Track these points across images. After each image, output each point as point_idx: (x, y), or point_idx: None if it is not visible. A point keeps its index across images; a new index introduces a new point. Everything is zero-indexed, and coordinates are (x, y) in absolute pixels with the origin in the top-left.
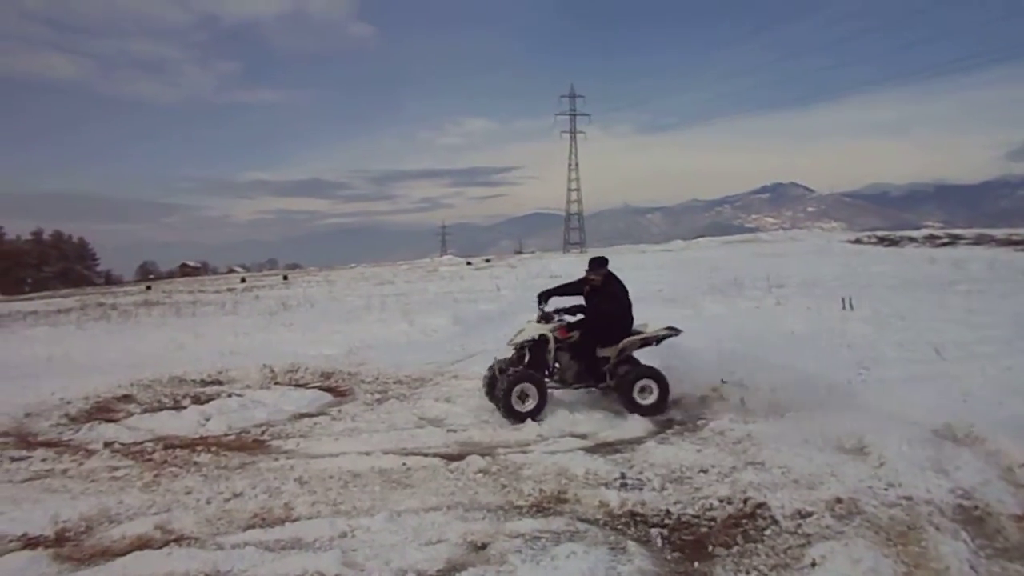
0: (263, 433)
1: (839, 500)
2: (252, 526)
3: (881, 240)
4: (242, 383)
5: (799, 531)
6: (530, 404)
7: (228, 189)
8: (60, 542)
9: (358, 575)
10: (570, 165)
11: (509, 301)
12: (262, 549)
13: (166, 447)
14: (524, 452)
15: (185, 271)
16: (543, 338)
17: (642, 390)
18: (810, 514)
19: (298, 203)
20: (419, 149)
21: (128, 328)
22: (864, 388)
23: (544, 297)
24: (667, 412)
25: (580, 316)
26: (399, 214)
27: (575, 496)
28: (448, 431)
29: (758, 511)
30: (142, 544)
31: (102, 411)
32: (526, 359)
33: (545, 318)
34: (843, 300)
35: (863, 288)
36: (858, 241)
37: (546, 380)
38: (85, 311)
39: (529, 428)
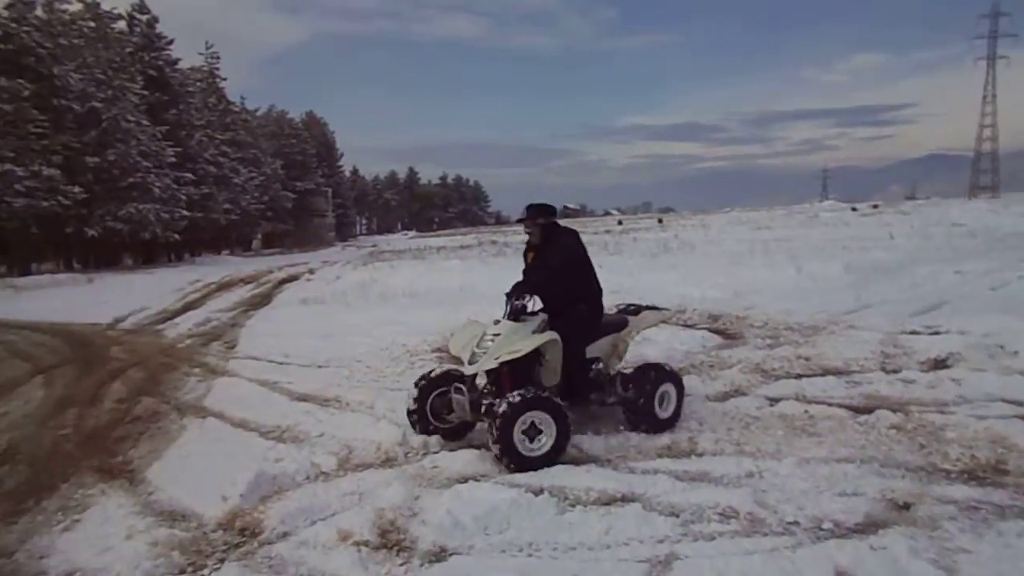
0: None
1: None
2: (660, 455)
3: None
4: None
5: None
6: (545, 444)
7: (606, 134)
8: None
9: (771, 515)
10: (985, 97)
11: (906, 250)
12: (673, 478)
13: None
14: (943, 413)
15: (566, 212)
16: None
17: (661, 399)
18: None
19: (672, 147)
20: (800, 88)
21: (522, 263)
22: None
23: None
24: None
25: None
26: (776, 157)
27: (1019, 468)
28: (850, 382)
29: None
30: (563, 459)
31: None
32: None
33: (516, 313)
34: None
35: None
36: None
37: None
38: (483, 247)
39: (947, 387)
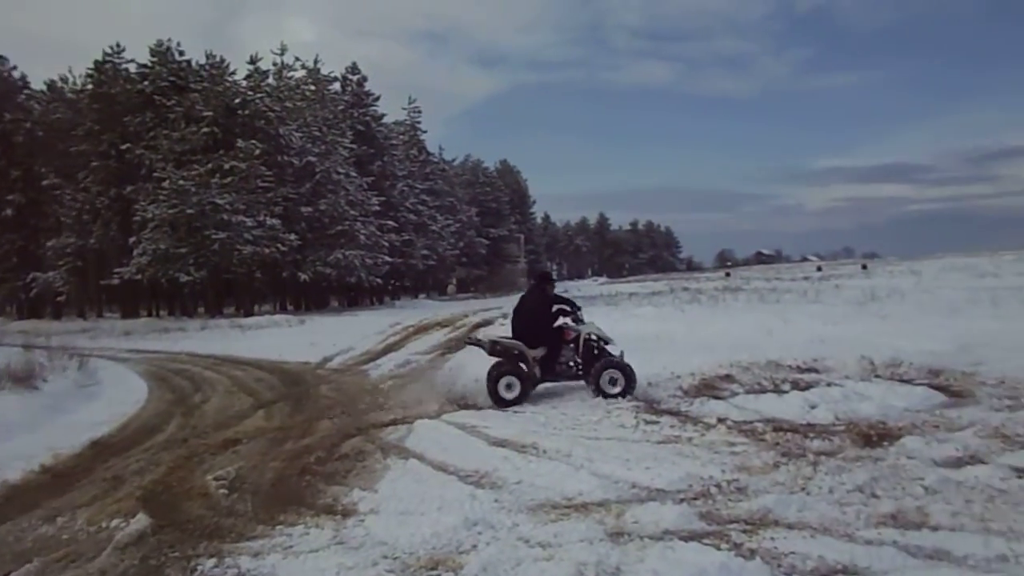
0: (873, 427)
1: None
2: (884, 524)
3: None
4: (839, 372)
5: None
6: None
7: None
8: (699, 503)
9: None
10: None
11: None
12: (903, 552)
13: (775, 429)
14: None
15: (760, 258)
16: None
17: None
18: None
19: (875, 189)
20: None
21: (719, 311)
22: None
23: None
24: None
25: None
26: (1002, 197)
27: None
28: None
29: None
30: (771, 521)
31: (708, 388)
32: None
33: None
34: None
35: None
36: None
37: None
38: (675, 293)
39: None
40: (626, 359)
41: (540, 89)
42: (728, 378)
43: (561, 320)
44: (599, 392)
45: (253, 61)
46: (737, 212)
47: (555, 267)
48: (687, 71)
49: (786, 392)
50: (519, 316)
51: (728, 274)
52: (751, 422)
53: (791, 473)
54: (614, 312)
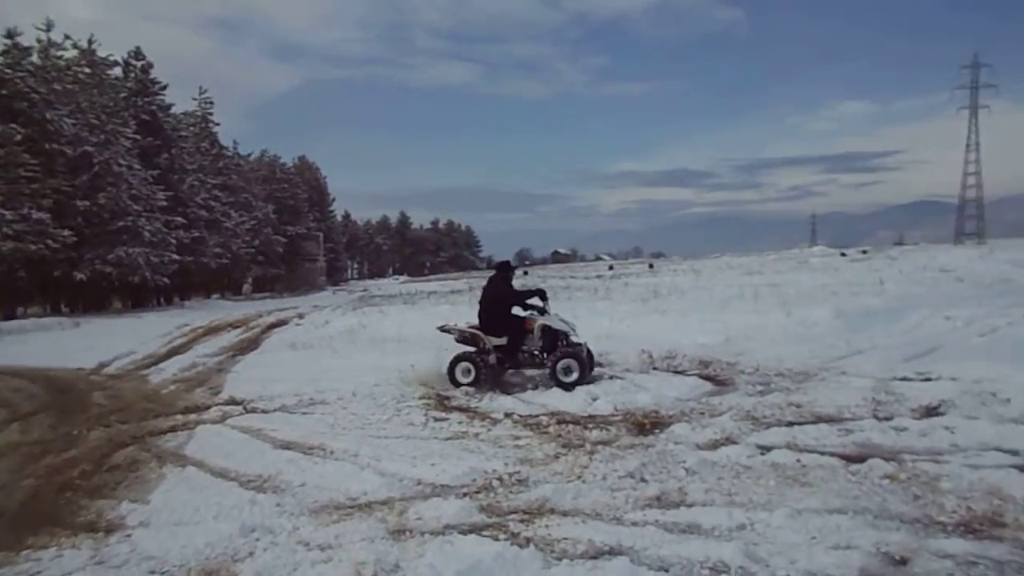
0: (648, 416)
1: None
2: (649, 506)
3: None
4: (622, 366)
5: None
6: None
7: (596, 180)
8: (480, 496)
9: (763, 570)
10: (968, 146)
11: (895, 295)
12: (662, 529)
13: (559, 422)
14: (937, 462)
15: (557, 257)
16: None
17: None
18: None
19: (663, 193)
20: (788, 135)
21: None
22: None
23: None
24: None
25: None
26: (766, 203)
27: (1017, 522)
28: (842, 430)
29: None
30: (547, 510)
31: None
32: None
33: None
34: None
35: None
36: None
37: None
38: (474, 292)
39: (940, 435)
40: (421, 355)
41: (341, 85)
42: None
43: (526, 311)
44: (556, 382)
45: (11, 35)
46: (536, 212)
47: (355, 265)
48: (487, 73)
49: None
50: (482, 305)
51: (526, 272)
52: (537, 416)
53: (569, 463)
54: (410, 311)
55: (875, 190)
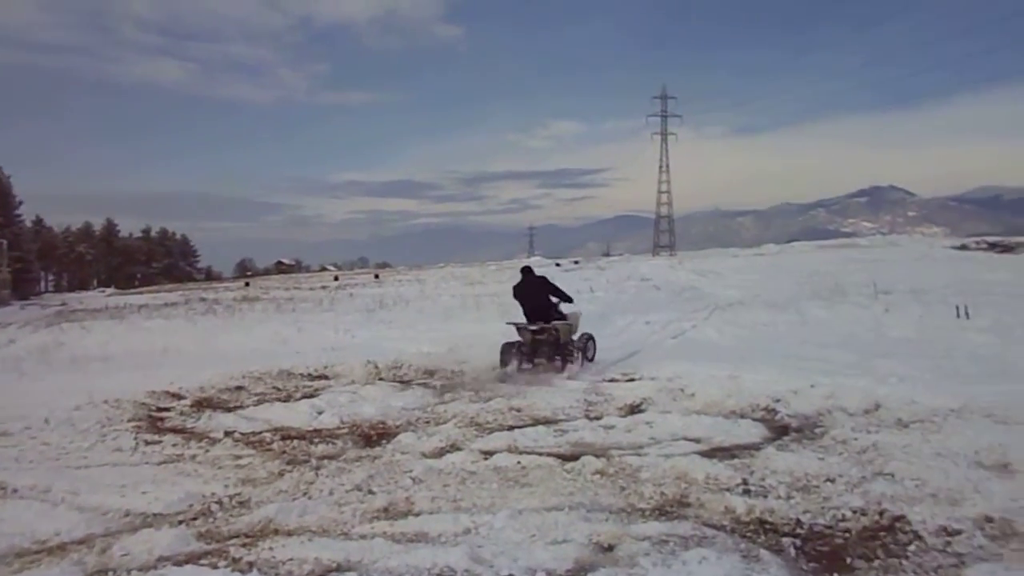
0: (374, 427)
1: (988, 519)
2: (377, 518)
3: (993, 246)
4: (347, 378)
5: (948, 549)
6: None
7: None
8: (198, 522)
9: (487, 571)
10: (661, 167)
11: (605, 302)
12: (390, 541)
13: (283, 438)
14: (639, 455)
15: (281, 268)
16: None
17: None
18: (958, 532)
19: (388, 203)
20: (508, 151)
21: (233, 322)
22: (997, 400)
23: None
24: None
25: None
26: (488, 215)
27: (698, 501)
28: (558, 431)
29: (896, 524)
30: (271, 530)
31: (219, 401)
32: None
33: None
34: (957, 308)
35: (979, 296)
36: (964, 247)
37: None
38: (190, 305)
39: (642, 430)
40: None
41: (29, 73)
42: (239, 389)
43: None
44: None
45: None
46: (259, 221)
47: (51, 277)
48: (202, 73)
49: (296, 400)
50: (528, 299)
51: (247, 283)
52: (259, 433)
53: (294, 480)
54: (118, 326)
55: (585, 204)
